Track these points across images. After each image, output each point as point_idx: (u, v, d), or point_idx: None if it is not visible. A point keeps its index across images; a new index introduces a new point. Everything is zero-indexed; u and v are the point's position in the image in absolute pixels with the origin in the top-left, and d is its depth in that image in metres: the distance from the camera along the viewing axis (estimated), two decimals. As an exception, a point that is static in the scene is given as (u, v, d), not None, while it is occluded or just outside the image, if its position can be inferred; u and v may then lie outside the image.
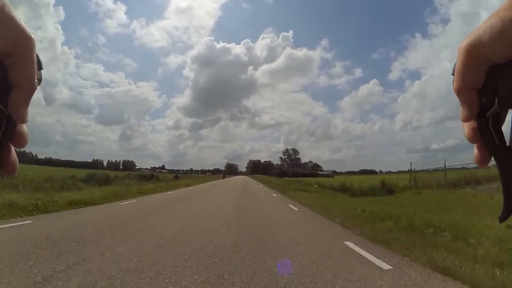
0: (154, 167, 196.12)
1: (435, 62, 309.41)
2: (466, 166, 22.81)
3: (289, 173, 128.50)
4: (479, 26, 0.28)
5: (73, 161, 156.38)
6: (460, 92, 0.30)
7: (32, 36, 0.29)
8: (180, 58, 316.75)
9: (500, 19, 0.27)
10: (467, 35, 0.29)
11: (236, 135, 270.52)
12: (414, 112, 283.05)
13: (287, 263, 3.60)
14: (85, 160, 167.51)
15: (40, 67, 0.31)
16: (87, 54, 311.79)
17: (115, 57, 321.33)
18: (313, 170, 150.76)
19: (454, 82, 0.31)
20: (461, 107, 0.31)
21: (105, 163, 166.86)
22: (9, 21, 0.27)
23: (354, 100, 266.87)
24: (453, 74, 0.31)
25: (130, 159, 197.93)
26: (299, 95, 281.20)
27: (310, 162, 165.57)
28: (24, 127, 0.31)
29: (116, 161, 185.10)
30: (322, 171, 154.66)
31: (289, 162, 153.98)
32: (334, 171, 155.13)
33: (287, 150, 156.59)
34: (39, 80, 0.31)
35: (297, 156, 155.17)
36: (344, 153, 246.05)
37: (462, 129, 0.32)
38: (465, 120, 0.31)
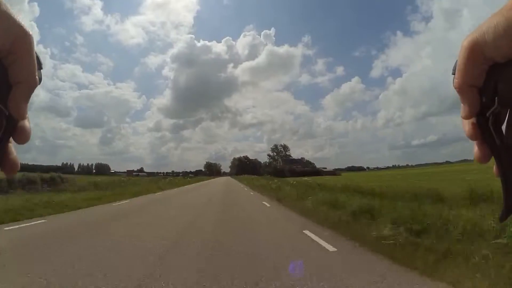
0: (131, 170, 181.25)
1: (416, 59, 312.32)
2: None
3: (285, 171, 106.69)
4: (482, 24, 0.28)
5: (41, 165, 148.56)
6: (460, 89, 0.30)
7: (31, 33, 0.29)
8: (160, 57, 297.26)
9: (504, 18, 0.26)
10: (469, 33, 0.29)
11: (218, 136, 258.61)
12: (395, 109, 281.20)
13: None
14: (53, 164, 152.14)
15: (40, 67, 0.31)
16: (64, 54, 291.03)
17: (93, 57, 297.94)
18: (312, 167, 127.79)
19: (455, 79, 0.30)
20: (461, 105, 0.31)
21: (76, 167, 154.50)
22: (7, 19, 0.27)
23: (336, 98, 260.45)
24: (453, 73, 0.31)
25: (104, 162, 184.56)
26: (281, 94, 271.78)
27: (302, 158, 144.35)
28: (26, 123, 0.31)
29: (88, 164, 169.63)
30: (321, 169, 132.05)
31: (286, 158, 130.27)
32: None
33: (276, 146, 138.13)
34: (39, 79, 0.31)
35: (287, 153, 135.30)
36: (328, 151, 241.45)
37: (462, 126, 0.32)
38: (466, 117, 0.31)
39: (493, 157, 0.31)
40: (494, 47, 0.27)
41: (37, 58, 0.30)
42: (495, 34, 0.27)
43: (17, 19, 0.27)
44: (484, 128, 0.30)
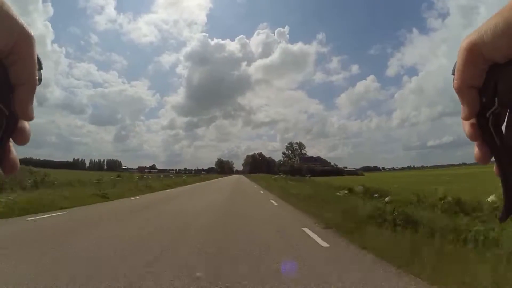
0: (143, 166, 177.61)
1: (432, 57, 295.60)
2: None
3: (303, 170, 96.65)
4: (481, 26, 0.28)
5: (52, 161, 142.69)
6: (460, 90, 0.30)
7: (32, 34, 0.29)
8: (174, 56, 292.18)
9: (503, 18, 0.26)
10: (468, 33, 0.29)
11: (231, 134, 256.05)
12: (411, 109, 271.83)
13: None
14: (64, 160, 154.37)
15: (40, 67, 0.31)
16: (79, 53, 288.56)
17: (107, 56, 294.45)
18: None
19: (455, 80, 0.30)
20: (461, 106, 0.31)
21: (87, 163, 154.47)
22: (9, 20, 0.27)
23: (350, 97, 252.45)
24: (453, 74, 0.31)
25: (118, 159, 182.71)
26: (295, 93, 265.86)
27: (318, 157, 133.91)
28: (26, 124, 0.31)
29: (100, 160, 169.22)
30: (343, 168, 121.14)
31: (303, 157, 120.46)
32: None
33: (291, 144, 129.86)
34: (39, 80, 0.31)
35: (302, 151, 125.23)
36: (341, 151, 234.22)
37: (462, 127, 0.32)
38: (466, 118, 0.31)
39: (493, 157, 0.30)
40: (493, 48, 0.27)
41: (38, 59, 0.30)
42: (494, 34, 0.27)
43: (19, 20, 0.27)
44: (484, 128, 0.30)
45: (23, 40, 0.28)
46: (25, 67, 0.28)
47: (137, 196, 13.07)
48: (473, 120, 0.31)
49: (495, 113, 0.29)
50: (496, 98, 0.29)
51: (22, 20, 0.28)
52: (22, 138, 0.30)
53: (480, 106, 0.30)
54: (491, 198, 5.72)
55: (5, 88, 0.28)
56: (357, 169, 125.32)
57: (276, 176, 28.61)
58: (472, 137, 0.31)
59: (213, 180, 44.43)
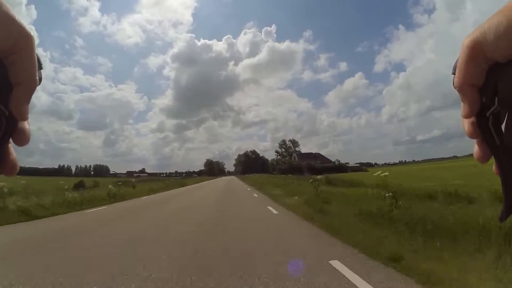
0: (132, 171, 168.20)
1: (419, 53, 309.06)
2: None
3: (302, 168, 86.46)
4: (483, 24, 0.28)
5: (37, 168, 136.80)
6: (461, 88, 0.30)
7: (32, 34, 0.29)
8: (160, 58, 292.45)
9: (505, 17, 0.26)
10: (470, 32, 0.29)
11: (222, 135, 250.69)
12: (400, 104, 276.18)
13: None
14: (49, 167, 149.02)
15: (40, 67, 0.31)
16: (64, 57, 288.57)
17: (93, 59, 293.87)
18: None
19: (455, 78, 0.30)
20: (462, 104, 0.31)
21: (73, 169, 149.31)
22: (8, 20, 0.27)
23: (339, 95, 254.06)
24: (453, 73, 0.31)
25: (108, 164, 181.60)
26: (284, 92, 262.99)
27: (318, 154, 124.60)
28: (26, 124, 0.31)
29: (86, 166, 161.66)
30: (345, 164, 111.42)
31: (301, 153, 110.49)
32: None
33: (284, 142, 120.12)
34: (39, 79, 0.31)
35: (296, 148, 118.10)
36: (331, 148, 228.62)
37: (462, 125, 0.32)
38: (466, 116, 0.31)
39: (493, 156, 0.30)
40: (495, 47, 0.27)
41: (37, 58, 0.30)
42: (496, 34, 0.26)
43: (19, 20, 0.27)
44: (484, 127, 0.30)
45: (22, 40, 0.27)
46: (25, 67, 0.28)
47: None
48: (473, 119, 0.31)
49: (495, 112, 0.29)
50: (496, 98, 0.29)
51: (21, 20, 0.27)
52: (22, 138, 0.30)
53: (480, 106, 0.30)
54: None
55: (5, 88, 0.28)
56: (361, 164, 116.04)
57: (315, 177, 14.82)
58: (472, 135, 0.31)
59: (191, 186, 31.02)
